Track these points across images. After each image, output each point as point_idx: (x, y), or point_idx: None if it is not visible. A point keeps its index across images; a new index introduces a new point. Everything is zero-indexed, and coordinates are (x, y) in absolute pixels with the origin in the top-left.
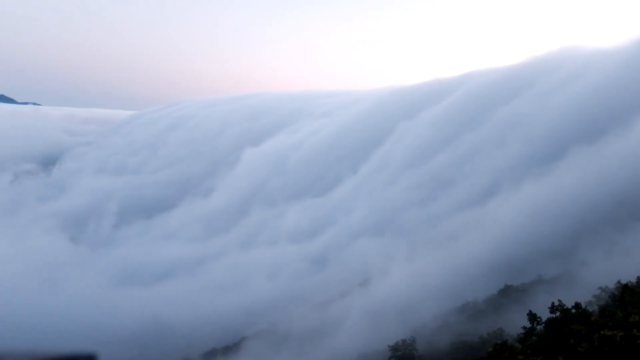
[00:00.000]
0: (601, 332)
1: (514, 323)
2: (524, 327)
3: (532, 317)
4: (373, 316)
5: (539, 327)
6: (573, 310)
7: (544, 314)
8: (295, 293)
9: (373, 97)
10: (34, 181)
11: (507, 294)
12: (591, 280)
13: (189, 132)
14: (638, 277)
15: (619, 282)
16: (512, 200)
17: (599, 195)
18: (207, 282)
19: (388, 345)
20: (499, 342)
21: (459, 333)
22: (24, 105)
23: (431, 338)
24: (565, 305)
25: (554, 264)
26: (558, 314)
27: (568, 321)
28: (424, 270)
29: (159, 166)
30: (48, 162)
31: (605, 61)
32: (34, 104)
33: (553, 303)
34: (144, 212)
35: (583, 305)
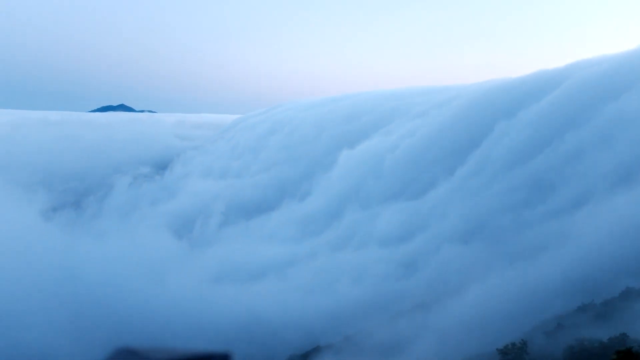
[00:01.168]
0: None
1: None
2: None
3: None
4: (468, 322)
5: None
6: None
7: None
8: (382, 298)
9: (470, 94)
10: (149, 184)
11: (629, 297)
12: None
13: (287, 135)
14: None
15: None
16: (613, 207)
17: None
18: (296, 284)
19: (497, 349)
20: (622, 348)
21: (575, 338)
22: (141, 113)
23: (544, 342)
24: None
25: None
26: None
27: None
28: (517, 279)
29: (259, 169)
30: (162, 165)
31: None
32: (150, 111)
33: None
34: (245, 214)
35: None
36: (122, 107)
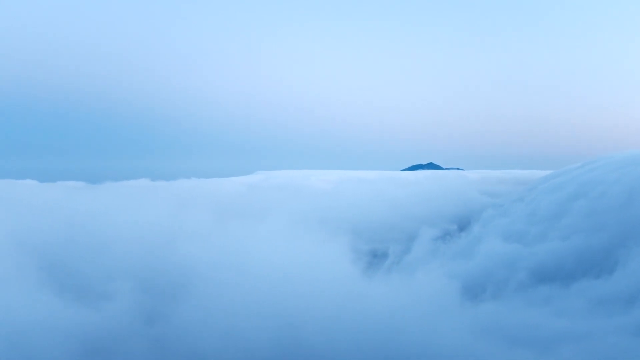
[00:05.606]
0: None
1: None
2: None
3: None
4: None
5: None
6: None
7: None
8: None
9: None
10: (449, 239)
11: None
12: None
13: (592, 200)
14: None
15: None
16: None
17: None
18: None
19: None
20: None
21: None
22: (448, 171)
23: None
24: None
25: None
26: None
27: None
28: None
29: (558, 236)
30: (463, 221)
31: None
32: (457, 169)
33: None
34: (536, 282)
35: None
36: (431, 165)
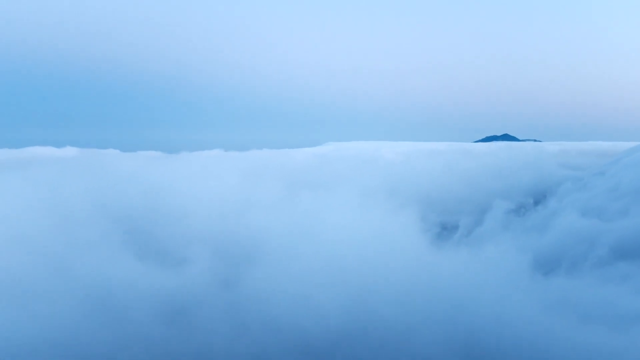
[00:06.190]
0: None
1: None
2: None
3: None
4: None
5: None
6: None
7: None
8: None
9: None
10: (522, 213)
11: None
12: None
13: None
14: None
15: None
16: None
17: None
18: None
19: None
20: None
21: None
22: (524, 142)
23: None
24: None
25: None
26: None
27: None
28: None
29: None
30: (539, 194)
31: None
32: (534, 140)
33: None
34: (616, 259)
35: None
36: (506, 137)
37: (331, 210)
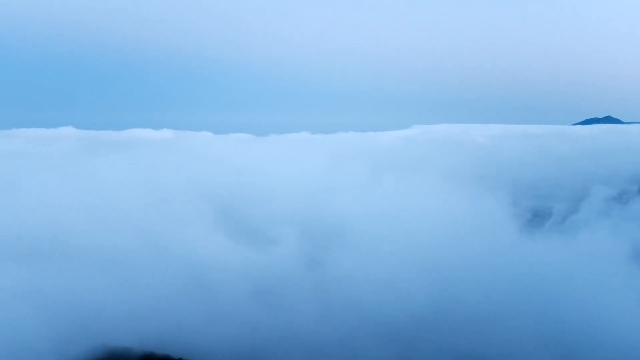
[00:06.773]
0: None
1: None
2: None
3: None
4: None
5: None
6: None
7: None
8: None
9: None
10: (622, 199)
11: None
12: None
13: None
14: None
15: None
16: None
17: None
18: None
19: None
20: None
21: None
22: (628, 125)
23: None
24: None
25: None
26: None
27: None
28: None
29: None
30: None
31: None
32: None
33: None
34: None
35: None
36: (608, 119)
37: (417, 193)
